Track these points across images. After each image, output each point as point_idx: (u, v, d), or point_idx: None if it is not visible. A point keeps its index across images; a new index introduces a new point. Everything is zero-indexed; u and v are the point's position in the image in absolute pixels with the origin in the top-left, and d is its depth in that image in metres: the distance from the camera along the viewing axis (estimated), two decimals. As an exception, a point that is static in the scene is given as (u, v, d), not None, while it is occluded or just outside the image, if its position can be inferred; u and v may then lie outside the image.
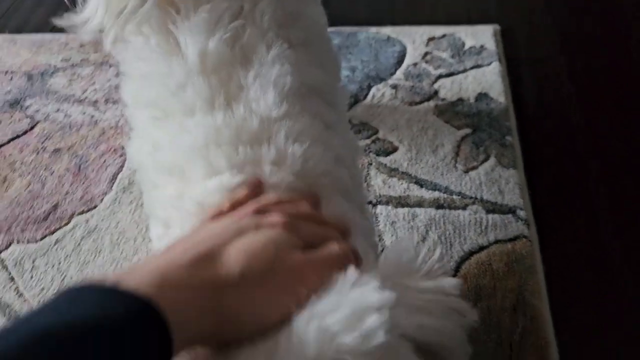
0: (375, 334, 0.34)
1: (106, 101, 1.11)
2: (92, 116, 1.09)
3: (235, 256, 0.39)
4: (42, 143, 1.04)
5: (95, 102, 1.12)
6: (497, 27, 1.16)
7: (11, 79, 1.19)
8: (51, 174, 0.99)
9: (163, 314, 0.34)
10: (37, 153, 1.03)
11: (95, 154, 1.01)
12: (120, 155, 1.00)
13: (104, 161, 1.00)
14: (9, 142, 1.06)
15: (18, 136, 1.07)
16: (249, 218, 0.43)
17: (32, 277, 0.84)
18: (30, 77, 1.19)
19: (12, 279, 0.84)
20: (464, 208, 0.85)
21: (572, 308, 0.75)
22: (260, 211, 0.44)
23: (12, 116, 1.11)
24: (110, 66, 1.19)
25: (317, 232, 0.44)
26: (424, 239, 0.81)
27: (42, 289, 0.83)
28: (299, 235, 0.42)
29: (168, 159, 0.51)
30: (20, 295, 0.82)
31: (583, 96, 1.01)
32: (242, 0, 0.55)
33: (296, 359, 0.35)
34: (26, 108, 1.12)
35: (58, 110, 1.11)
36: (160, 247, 0.52)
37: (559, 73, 1.07)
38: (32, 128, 1.08)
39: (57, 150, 1.03)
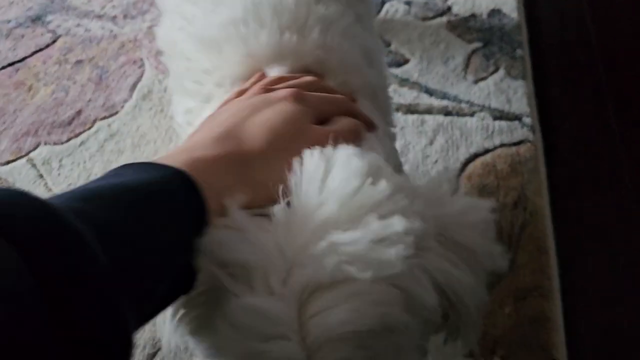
0: (393, 264, 0.33)
1: (124, 17, 1.14)
2: (111, 30, 1.11)
3: (256, 130, 0.41)
4: (64, 55, 1.08)
5: (114, 17, 1.14)
6: (512, -57, 1.15)
7: (32, -4, 1.22)
8: (74, 84, 1.02)
9: (196, 183, 0.36)
10: (60, 64, 1.06)
11: (116, 65, 1.05)
12: (140, 67, 1.04)
13: (124, 72, 1.03)
14: (32, 54, 1.09)
15: (41, 49, 1.10)
16: (258, 96, 0.45)
17: (59, 174, 0.89)
18: (50, -6, 1.21)
19: (41, 176, 0.89)
20: (472, 115, 0.88)
21: (572, 206, 0.79)
22: (267, 90, 0.46)
23: (34, 31, 1.14)
24: (128, -16, 1.21)
25: (325, 99, 0.46)
26: (431, 142, 0.84)
27: (69, 184, 0.88)
28: (309, 105, 0.44)
29: (204, 33, 0.51)
30: (50, 190, 0.87)
31: (597, 11, 1.01)
32: None
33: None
34: (48, 23, 1.15)
35: (78, 25, 1.13)
36: (185, 120, 0.55)
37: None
38: (54, 42, 1.11)
39: (79, 62, 1.06)
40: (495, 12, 1.02)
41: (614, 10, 1.02)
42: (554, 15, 1.03)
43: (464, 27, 1.01)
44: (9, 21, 1.17)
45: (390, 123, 0.56)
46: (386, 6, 1.06)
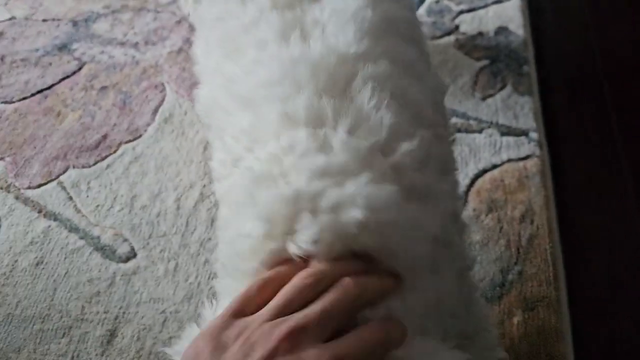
0: None
1: (145, 43, 1.19)
2: (134, 57, 1.17)
3: None
4: (90, 82, 1.13)
5: (136, 44, 1.20)
6: (519, -37, 1.19)
7: (58, 25, 1.28)
8: (99, 109, 1.08)
9: None
10: (86, 90, 1.12)
11: (138, 90, 1.10)
12: (161, 91, 1.09)
13: (147, 96, 1.08)
14: (59, 81, 1.15)
15: (68, 76, 1.16)
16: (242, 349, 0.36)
17: (87, 196, 0.94)
18: (75, 23, 1.28)
19: (71, 198, 0.94)
20: (480, 131, 0.91)
21: (578, 219, 0.81)
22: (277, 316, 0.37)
23: (61, 59, 1.20)
24: (148, 11, 1.27)
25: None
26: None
27: (97, 206, 0.92)
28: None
29: (243, 91, 0.50)
30: (79, 212, 0.92)
31: (602, 27, 1.04)
32: None
33: None
34: (73, 51, 1.21)
35: (102, 52, 1.19)
36: (221, 173, 0.53)
37: (580, 5, 1.10)
38: (79, 69, 1.17)
39: (103, 88, 1.12)
40: (501, 30, 1.06)
41: (617, 26, 1.04)
42: (559, 31, 1.06)
43: (471, 45, 1.04)
44: (37, 50, 1.23)
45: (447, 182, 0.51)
46: (396, 26, 1.10)
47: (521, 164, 0.86)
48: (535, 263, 0.75)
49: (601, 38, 1.02)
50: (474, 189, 0.84)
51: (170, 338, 0.77)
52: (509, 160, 0.86)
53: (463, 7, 1.11)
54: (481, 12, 1.10)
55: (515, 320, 0.70)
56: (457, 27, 1.08)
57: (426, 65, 0.59)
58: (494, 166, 0.86)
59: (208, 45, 0.60)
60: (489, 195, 0.83)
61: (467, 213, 0.81)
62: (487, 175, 0.85)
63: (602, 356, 0.67)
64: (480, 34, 1.06)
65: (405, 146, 0.44)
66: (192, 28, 1.19)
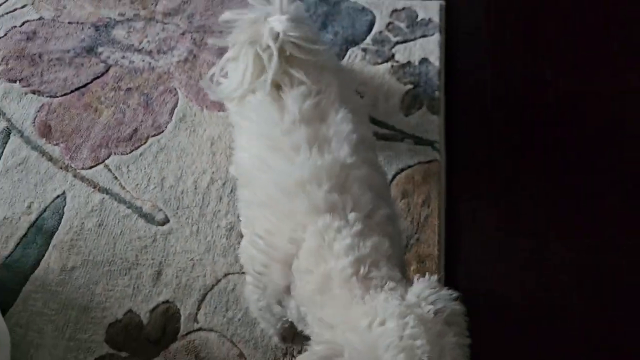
0: None
1: (158, 51, 1.54)
2: (150, 63, 1.52)
3: None
4: (117, 83, 1.49)
5: (150, 52, 1.54)
6: (442, 3, 1.58)
7: (82, 29, 1.60)
8: (128, 107, 1.44)
9: None
10: (115, 91, 1.47)
11: (157, 92, 1.46)
12: (174, 95, 1.46)
13: (164, 99, 1.45)
14: (92, 81, 1.50)
15: (98, 77, 1.50)
16: None
17: (128, 177, 1.33)
18: (97, 28, 1.60)
19: (116, 177, 1.33)
20: (402, 140, 1.34)
21: (460, 205, 1.28)
22: None
23: (90, 60, 1.54)
24: (156, 22, 1.60)
25: None
26: (375, 160, 1.31)
27: (136, 184, 1.32)
28: None
29: (281, 180, 0.84)
30: (123, 188, 1.32)
31: (497, 62, 1.47)
32: (319, 84, 0.94)
33: None
34: (100, 54, 1.55)
35: (123, 57, 1.54)
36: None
37: (484, 43, 1.52)
38: (107, 71, 1.51)
39: (129, 89, 1.47)
40: (424, 60, 1.47)
41: (512, 63, 1.47)
42: (466, 65, 1.48)
43: (401, 72, 1.45)
44: (68, 51, 1.56)
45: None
46: (349, 52, 1.49)
47: (426, 165, 1.30)
48: (427, 233, 1.21)
49: (497, 74, 1.45)
50: (394, 182, 1.28)
51: (197, 277, 1.20)
52: (419, 163, 1.31)
53: (399, 38, 1.51)
54: (411, 43, 1.50)
55: (412, 268, 1.17)
56: (393, 56, 1.48)
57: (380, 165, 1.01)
58: (409, 166, 1.30)
59: (250, 135, 0.96)
60: (403, 186, 1.27)
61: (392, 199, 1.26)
62: (404, 173, 1.29)
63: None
64: (409, 62, 1.47)
65: (380, 213, 0.84)
66: (194, 41, 1.54)
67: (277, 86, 0.95)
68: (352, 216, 0.80)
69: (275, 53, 0.94)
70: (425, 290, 0.72)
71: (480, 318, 1.11)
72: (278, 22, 0.95)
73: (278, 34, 0.95)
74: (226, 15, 1.04)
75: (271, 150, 0.89)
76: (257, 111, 0.95)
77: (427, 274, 0.76)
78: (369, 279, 0.75)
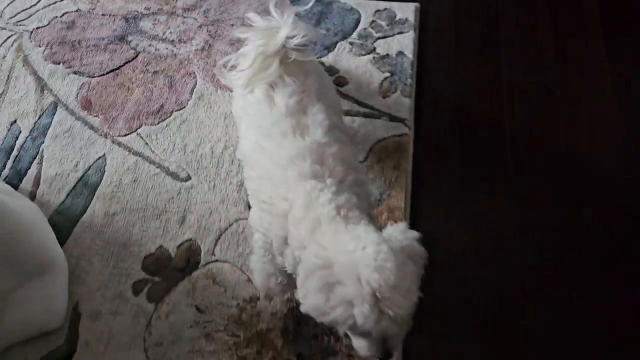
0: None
1: (179, 41, 1.84)
2: (172, 50, 1.82)
3: None
4: (145, 67, 1.79)
5: (172, 41, 1.84)
6: (417, 5, 1.89)
7: (114, 20, 1.90)
8: (155, 87, 1.75)
9: None
10: (144, 73, 1.78)
11: (179, 75, 1.77)
12: (193, 78, 1.76)
13: (185, 81, 1.75)
14: (124, 64, 1.80)
15: (129, 61, 1.80)
16: None
17: (156, 143, 1.64)
18: (127, 19, 1.90)
19: (147, 143, 1.64)
20: (379, 117, 1.65)
21: (424, 170, 1.59)
22: None
23: (122, 47, 1.83)
24: (177, 16, 1.90)
25: None
26: (356, 133, 1.62)
27: (164, 149, 1.62)
28: None
29: (276, 159, 1.09)
30: (153, 152, 1.62)
31: (460, 55, 1.79)
32: (303, 86, 1.18)
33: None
34: (129, 42, 1.84)
35: (150, 45, 1.84)
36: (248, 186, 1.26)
37: (450, 40, 1.84)
38: (136, 56, 1.81)
39: (155, 72, 1.78)
40: (400, 53, 1.78)
41: (469, 55, 1.79)
42: (434, 58, 1.80)
43: (381, 62, 1.76)
44: (103, 38, 1.85)
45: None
46: (338, 45, 1.80)
47: (398, 138, 1.62)
48: (397, 190, 1.53)
49: (459, 66, 1.77)
50: (372, 151, 1.60)
51: (214, 221, 1.51)
52: (392, 136, 1.62)
53: (380, 35, 1.82)
54: (390, 39, 1.81)
55: (383, 217, 1.49)
56: (374, 49, 1.79)
57: (351, 141, 1.29)
58: (384, 138, 1.61)
59: (249, 125, 1.23)
60: (379, 154, 1.59)
61: (368, 163, 1.57)
62: (380, 143, 1.61)
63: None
64: (388, 55, 1.78)
65: (349, 179, 1.09)
66: (210, 33, 1.84)
67: (270, 86, 1.21)
68: (329, 181, 1.06)
69: (277, 60, 1.20)
70: (396, 231, 1.01)
71: (434, 260, 1.44)
72: (285, 35, 1.20)
73: (284, 45, 1.20)
74: (242, 30, 1.28)
75: (264, 137, 1.15)
76: (254, 107, 1.21)
77: (398, 221, 1.07)
78: (348, 217, 1.03)
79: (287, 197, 1.08)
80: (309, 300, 0.95)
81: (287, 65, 1.21)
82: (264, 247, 1.23)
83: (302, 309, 0.97)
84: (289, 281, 1.28)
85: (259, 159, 1.17)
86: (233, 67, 1.31)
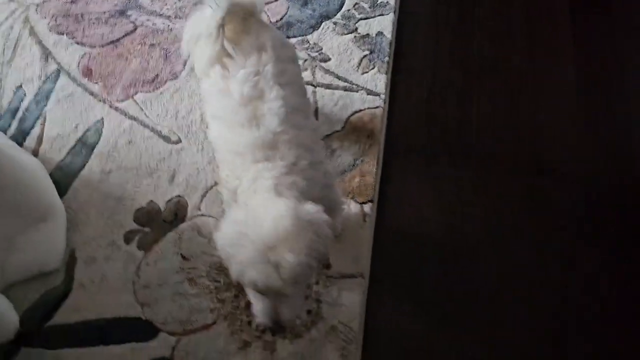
0: None
1: (175, 17, 1.98)
2: (169, 25, 1.96)
3: None
4: (143, 40, 1.92)
5: (169, 16, 1.98)
6: (398, -11, 2.02)
7: (115, -5, 2.03)
8: (151, 58, 1.88)
9: None
10: (142, 45, 1.91)
11: (174, 48, 1.90)
12: (187, 50, 1.89)
13: (179, 53, 1.89)
14: (123, 37, 1.93)
15: (128, 34, 1.94)
16: None
17: (151, 109, 1.78)
18: (127, -4, 2.03)
19: (142, 109, 1.78)
20: (357, 91, 1.79)
21: (400, 139, 1.73)
22: None
23: (122, 21, 1.97)
24: (174, -7, 2.03)
25: None
26: (336, 104, 1.76)
27: (157, 114, 1.76)
28: None
29: (235, 148, 1.15)
30: (147, 117, 1.76)
31: (436, 36, 1.92)
32: (258, 65, 1.18)
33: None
34: (129, 16, 1.98)
35: (148, 19, 1.97)
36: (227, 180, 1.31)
37: (427, 22, 1.97)
38: (135, 30, 1.95)
39: (152, 45, 1.91)
40: (380, 34, 1.91)
41: (444, 36, 1.92)
42: (412, 39, 1.93)
43: (361, 41, 1.90)
44: (104, 12, 1.99)
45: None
46: (323, 24, 1.93)
47: (373, 110, 1.75)
48: (370, 157, 1.67)
49: (435, 46, 1.91)
50: (349, 121, 1.73)
51: (201, 180, 1.64)
52: (368, 108, 1.76)
53: (362, 16, 1.95)
54: (371, 20, 1.94)
55: (356, 180, 1.62)
56: (356, 29, 1.92)
57: (311, 116, 1.39)
58: (360, 110, 1.75)
59: (211, 115, 1.25)
60: (355, 124, 1.72)
61: (345, 133, 1.71)
62: (357, 115, 1.74)
63: (395, 199, 1.61)
64: (368, 35, 1.91)
65: (303, 162, 1.15)
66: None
67: (224, 68, 1.21)
68: (280, 163, 1.13)
69: (218, 35, 1.20)
70: (313, 209, 1.07)
71: (400, 218, 1.58)
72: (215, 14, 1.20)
73: (219, 21, 1.20)
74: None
75: (226, 127, 1.21)
76: (213, 95, 1.24)
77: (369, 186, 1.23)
78: (282, 193, 1.10)
79: (239, 176, 1.16)
80: (222, 252, 1.08)
81: (239, 43, 1.22)
82: (226, 204, 1.35)
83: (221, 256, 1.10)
84: None
85: (221, 145, 1.23)
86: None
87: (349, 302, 1.47)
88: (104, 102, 1.79)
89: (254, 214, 1.05)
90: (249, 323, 1.45)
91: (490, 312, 1.47)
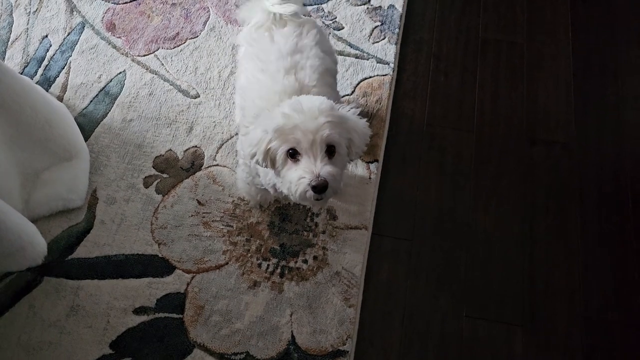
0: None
1: (196, -21, 2.06)
2: (190, -13, 2.04)
3: None
4: (165, -1, 2.01)
5: (190, -21, 2.06)
6: (411, -34, 2.12)
7: (139, -44, 2.11)
8: (172, 16, 1.97)
9: None
10: (163, 4, 1.99)
11: (194, 8, 1.99)
12: (207, 12, 1.98)
13: (199, 13, 1.98)
14: (146, -5, 2.02)
15: (150, -7, 2.02)
16: None
17: (171, 64, 1.87)
18: (150, -43, 2.11)
19: (162, 64, 1.87)
20: (368, 59, 1.89)
21: (404, 104, 1.84)
22: None
23: (144, -20, 2.05)
24: (196, -43, 2.11)
25: None
26: (347, 70, 1.86)
27: (177, 70, 1.85)
28: None
29: (264, 92, 1.28)
30: (168, 71, 1.85)
31: (443, 12, 2.02)
32: (301, 27, 1.34)
33: None
34: (152, -23, 2.06)
35: (170, -19, 2.06)
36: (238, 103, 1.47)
37: (440, 0, 2.08)
38: (157, -11, 2.03)
39: (173, 4, 2.00)
40: (391, 6, 2.01)
41: (450, 14, 2.03)
42: (421, 11, 2.04)
43: (373, 13, 2.00)
44: (128, -28, 2.07)
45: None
46: (337, -6, 2.03)
47: (382, 77, 1.86)
48: (378, 120, 1.77)
49: (441, 21, 2.01)
50: (359, 87, 1.84)
51: (217, 133, 1.74)
52: (377, 75, 1.86)
53: (375, -11, 2.05)
54: (383, -7, 2.04)
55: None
56: (369, 0, 2.02)
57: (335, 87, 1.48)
58: (370, 77, 1.86)
59: (250, 57, 1.39)
60: (364, 89, 1.83)
61: (355, 97, 1.81)
62: (366, 80, 1.85)
63: (398, 159, 1.72)
64: (380, 7, 2.01)
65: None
66: (224, -25, 2.06)
67: (272, 26, 1.37)
68: None
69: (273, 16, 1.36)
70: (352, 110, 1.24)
71: (402, 179, 1.69)
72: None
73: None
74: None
75: (260, 71, 1.32)
76: (257, 41, 1.37)
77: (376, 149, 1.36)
78: None
79: (266, 129, 1.20)
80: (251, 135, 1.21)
81: (285, 25, 1.37)
82: (245, 170, 1.48)
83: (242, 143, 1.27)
84: (265, 193, 1.53)
85: (252, 90, 1.33)
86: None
87: (352, 250, 1.58)
88: (126, 55, 1.88)
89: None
90: (259, 265, 1.56)
91: (475, 269, 1.59)
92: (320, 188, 1.12)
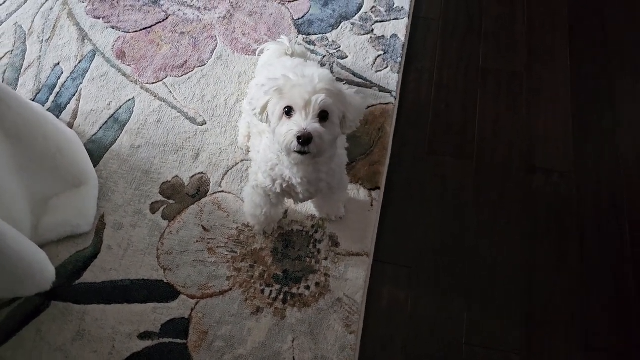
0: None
1: (205, 8, 2.12)
2: (198, 16, 2.10)
3: None
4: (174, 28, 2.06)
5: (199, 8, 2.12)
6: (414, -4, 2.17)
7: (149, -14, 2.17)
8: (181, 45, 2.02)
9: None
10: (172, 33, 2.05)
11: (202, 37, 2.04)
12: (214, 40, 2.04)
13: (207, 42, 2.03)
14: (155, 24, 2.07)
15: (160, 22, 2.08)
16: None
17: (179, 92, 1.92)
18: (160, -14, 2.17)
19: (171, 92, 1.92)
20: (371, 88, 1.93)
21: (405, 130, 1.87)
22: None
23: (154, 10, 2.11)
24: (204, -13, 2.18)
25: None
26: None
27: (184, 97, 1.90)
28: None
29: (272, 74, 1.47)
30: (175, 99, 1.90)
31: (444, 41, 2.07)
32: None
33: None
34: (161, 5, 2.12)
35: (179, 10, 2.11)
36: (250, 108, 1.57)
37: (438, 28, 2.12)
38: (166, 18, 2.09)
39: (182, 33, 2.05)
40: (394, 36, 2.06)
41: (452, 43, 2.07)
42: (422, 41, 2.08)
43: (377, 42, 2.04)
44: (138, 0, 2.13)
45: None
46: (341, 24, 2.08)
47: (385, 105, 1.90)
48: (379, 148, 1.81)
49: (443, 50, 2.05)
50: (366, 112, 1.87)
51: (223, 159, 1.78)
52: (380, 103, 1.90)
53: (378, 19, 2.10)
54: (386, 23, 2.09)
55: (365, 169, 1.77)
56: (372, 30, 2.07)
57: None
58: (373, 105, 1.90)
59: (262, 65, 1.58)
60: (367, 117, 1.87)
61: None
62: (369, 109, 1.89)
63: (401, 187, 1.75)
64: (383, 36, 2.06)
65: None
66: (232, 4, 2.12)
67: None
68: None
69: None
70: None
71: (408, 199, 1.72)
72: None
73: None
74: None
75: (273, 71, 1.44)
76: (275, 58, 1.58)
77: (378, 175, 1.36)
78: None
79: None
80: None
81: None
82: (251, 175, 1.52)
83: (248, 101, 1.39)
84: (273, 213, 1.57)
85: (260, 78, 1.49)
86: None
87: (354, 277, 1.60)
88: (136, 83, 1.93)
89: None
90: (262, 291, 1.58)
91: (479, 291, 1.61)
92: (304, 140, 1.19)
